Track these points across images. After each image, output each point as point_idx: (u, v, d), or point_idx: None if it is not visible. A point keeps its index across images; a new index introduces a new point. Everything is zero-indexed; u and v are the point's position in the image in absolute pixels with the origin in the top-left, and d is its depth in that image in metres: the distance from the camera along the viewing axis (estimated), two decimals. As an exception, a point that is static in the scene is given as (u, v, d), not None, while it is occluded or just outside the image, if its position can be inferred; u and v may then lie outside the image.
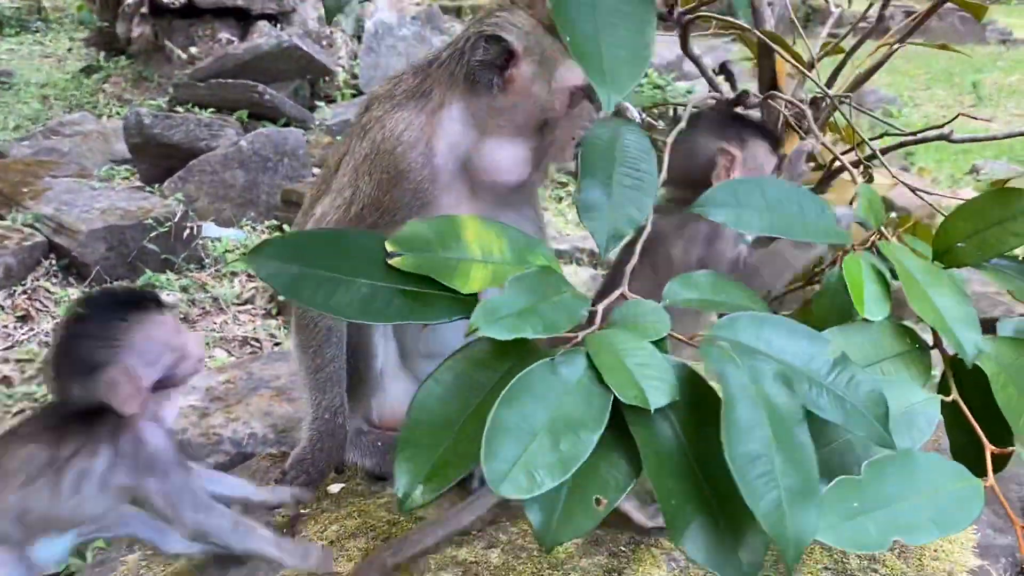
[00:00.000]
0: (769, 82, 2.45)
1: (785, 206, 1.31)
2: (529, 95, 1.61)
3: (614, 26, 1.00)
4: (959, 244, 1.33)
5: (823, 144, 1.76)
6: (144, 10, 6.88)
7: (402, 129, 1.61)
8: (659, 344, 1.08)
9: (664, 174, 1.41)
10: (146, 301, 1.44)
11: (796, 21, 2.42)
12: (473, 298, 1.07)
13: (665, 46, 8.62)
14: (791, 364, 1.09)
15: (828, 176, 2.03)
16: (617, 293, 1.19)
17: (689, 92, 7.51)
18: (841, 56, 2.52)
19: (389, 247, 1.07)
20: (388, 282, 1.06)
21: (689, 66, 7.73)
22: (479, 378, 1.05)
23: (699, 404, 1.05)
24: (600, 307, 1.15)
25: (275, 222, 5.29)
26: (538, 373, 0.99)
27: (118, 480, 1.40)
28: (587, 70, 0.97)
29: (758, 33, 2.02)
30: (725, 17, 2.12)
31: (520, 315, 1.02)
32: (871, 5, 2.41)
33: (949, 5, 2.38)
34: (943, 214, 1.63)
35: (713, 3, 2.19)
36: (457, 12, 17.20)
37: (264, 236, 5.22)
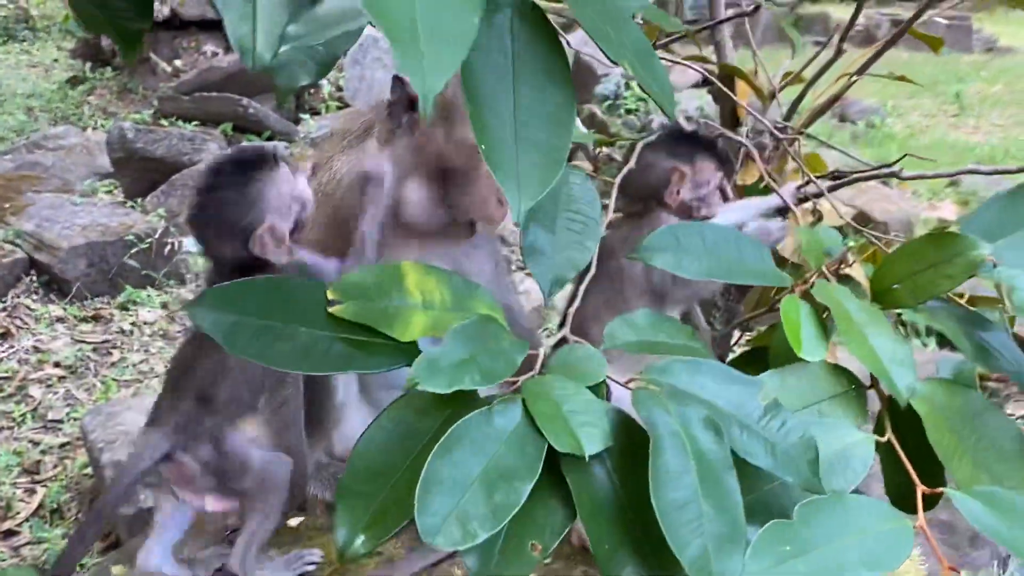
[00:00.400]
0: (730, 113, 2.49)
1: (724, 250, 1.34)
2: (430, 141, 1.63)
3: (534, 128, 0.97)
4: (895, 286, 1.36)
5: (770, 180, 1.80)
6: (129, 23, 6.88)
7: (344, 172, 1.64)
8: (596, 389, 1.11)
9: (611, 212, 1.46)
10: (269, 159, 1.61)
11: (757, 52, 2.46)
12: (413, 346, 1.09)
13: (649, 58, 8.68)
14: (723, 409, 1.12)
15: (786, 208, 2.06)
16: (559, 336, 1.22)
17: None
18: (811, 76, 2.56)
19: (330, 295, 1.10)
20: (327, 330, 1.08)
21: (674, 77, 7.81)
22: (419, 426, 1.07)
23: (633, 449, 1.07)
24: (541, 351, 1.18)
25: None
26: (473, 423, 1.01)
27: None
28: (499, 177, 0.94)
29: (707, 74, 2.06)
30: (684, 62, 2.16)
31: (459, 366, 1.04)
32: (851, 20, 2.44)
33: (934, 14, 2.43)
34: (881, 249, 1.67)
35: (676, 40, 2.23)
36: (445, 21, 17.22)
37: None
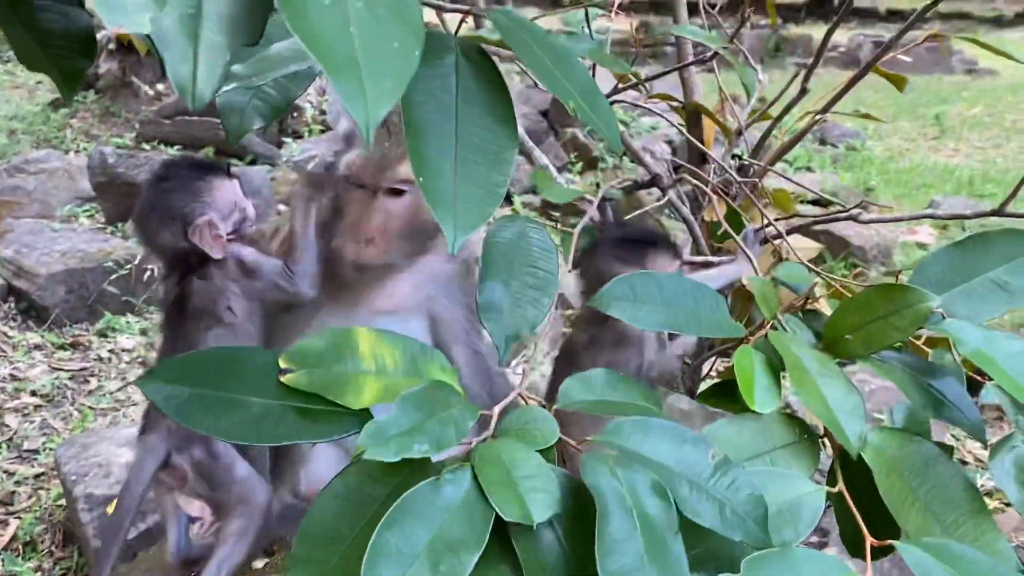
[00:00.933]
0: (697, 153, 2.52)
1: (681, 301, 1.36)
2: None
3: (474, 163, 0.98)
4: (847, 336, 1.38)
5: (723, 220, 1.83)
6: (112, 47, 6.90)
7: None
8: (547, 452, 1.12)
9: (569, 264, 1.49)
10: (223, 168, 1.79)
11: (724, 89, 2.49)
12: (366, 412, 1.09)
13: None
14: (674, 469, 1.13)
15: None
16: (511, 396, 1.23)
17: (654, 128, 7.62)
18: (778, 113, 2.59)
19: (282, 363, 1.10)
20: (280, 399, 1.08)
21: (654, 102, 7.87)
22: (370, 492, 1.07)
23: (584, 514, 1.08)
24: (495, 411, 1.19)
25: (238, 261, 5.31)
26: (421, 493, 1.01)
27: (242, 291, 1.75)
28: (435, 210, 0.95)
29: (671, 110, 2.09)
30: (643, 104, 2.18)
31: (407, 434, 1.04)
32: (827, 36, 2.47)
33: (914, 36, 2.48)
34: (839, 290, 1.69)
35: (634, 86, 2.26)
36: (431, 41, 17.24)
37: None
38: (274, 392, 1.08)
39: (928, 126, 10.32)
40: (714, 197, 1.92)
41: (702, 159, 2.49)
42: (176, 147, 6.41)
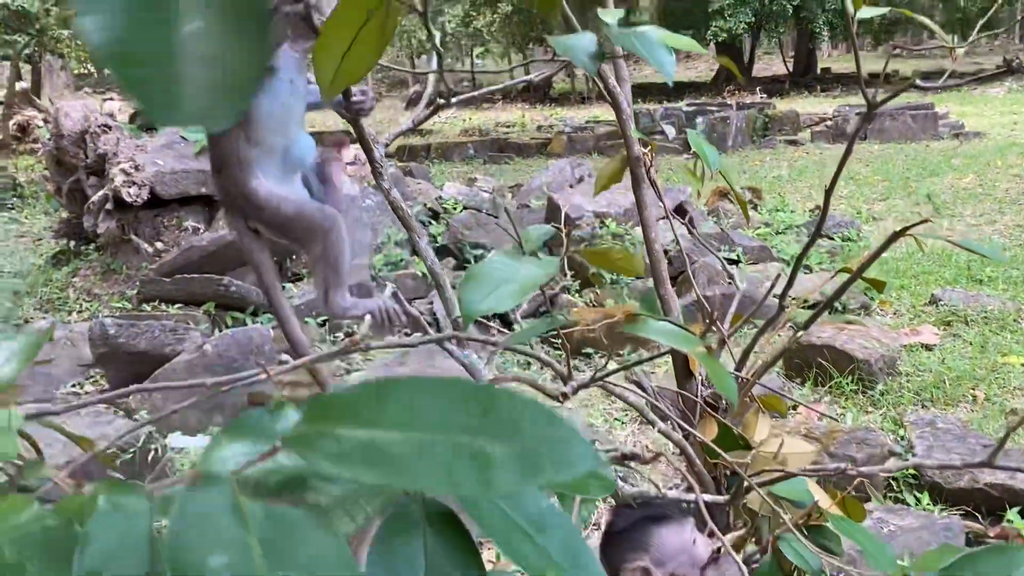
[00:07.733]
0: (683, 367, 2.52)
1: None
2: None
3: None
4: None
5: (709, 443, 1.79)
6: (109, 206, 7.05)
7: None
8: None
9: None
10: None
11: (705, 302, 2.51)
12: None
13: (621, 193, 8.87)
14: None
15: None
16: None
17: (647, 242, 7.68)
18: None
19: None
20: None
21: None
22: None
23: None
24: None
25: (242, 427, 5.31)
26: None
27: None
28: None
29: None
30: (610, 380, 2.19)
31: None
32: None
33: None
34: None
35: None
36: (426, 151, 17.66)
37: (232, 442, 5.24)
38: None
39: (921, 204, 10.37)
40: (689, 453, 1.89)
41: (688, 375, 2.49)
42: (177, 305, 6.49)
